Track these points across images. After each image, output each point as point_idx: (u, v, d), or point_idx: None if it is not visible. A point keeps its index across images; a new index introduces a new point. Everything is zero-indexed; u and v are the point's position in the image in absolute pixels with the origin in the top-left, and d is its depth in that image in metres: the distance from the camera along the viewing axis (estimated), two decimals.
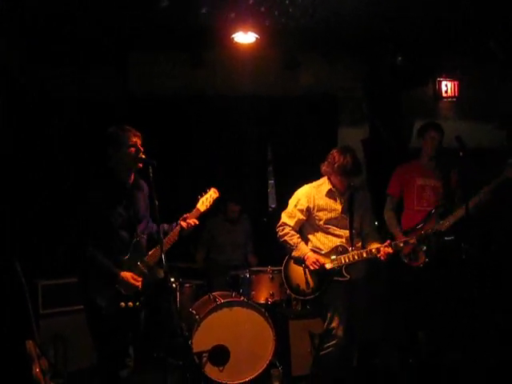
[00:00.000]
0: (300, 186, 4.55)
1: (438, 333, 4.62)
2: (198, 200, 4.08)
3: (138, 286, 3.65)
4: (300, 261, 4.38)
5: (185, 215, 3.97)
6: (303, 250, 4.35)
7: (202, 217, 4.11)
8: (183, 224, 3.91)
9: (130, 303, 3.63)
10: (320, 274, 4.30)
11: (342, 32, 5.71)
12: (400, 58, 6.20)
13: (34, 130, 5.68)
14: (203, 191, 4.13)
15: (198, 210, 4.03)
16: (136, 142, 3.74)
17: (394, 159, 5.78)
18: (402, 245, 4.28)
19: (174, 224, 3.95)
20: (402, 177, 5.08)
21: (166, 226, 3.98)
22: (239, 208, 6.21)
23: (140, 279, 3.67)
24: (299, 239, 4.41)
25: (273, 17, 5.12)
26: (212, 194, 4.12)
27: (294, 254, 4.39)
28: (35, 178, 5.65)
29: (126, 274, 3.63)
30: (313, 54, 6.39)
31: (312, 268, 4.27)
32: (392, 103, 6.71)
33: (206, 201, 4.07)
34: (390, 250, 4.20)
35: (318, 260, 4.26)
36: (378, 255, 4.21)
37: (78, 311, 5.11)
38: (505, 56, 5.93)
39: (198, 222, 3.99)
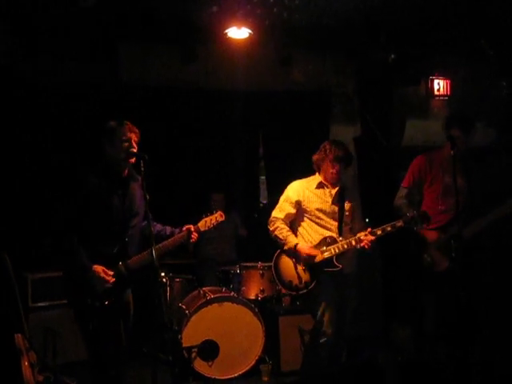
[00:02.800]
0: (291, 182, 4.57)
1: (429, 329, 4.60)
2: (201, 218, 3.99)
3: (108, 281, 3.57)
4: (292, 253, 4.37)
5: (190, 227, 3.90)
6: (292, 241, 4.35)
7: None
8: (193, 237, 3.88)
9: (97, 302, 3.57)
10: (311, 266, 4.31)
11: (334, 28, 5.71)
12: (392, 56, 6.21)
13: (21, 120, 5.63)
14: (209, 212, 4.05)
15: (199, 228, 3.95)
16: (131, 137, 3.70)
17: (385, 158, 5.80)
18: (380, 232, 4.18)
19: (178, 230, 3.90)
20: (423, 170, 4.57)
21: (169, 229, 3.94)
22: (222, 196, 6.16)
23: (111, 274, 3.60)
24: (289, 232, 4.41)
25: (265, 12, 5.11)
26: (218, 217, 4.02)
27: (286, 247, 4.39)
28: (24, 169, 5.62)
29: (98, 268, 3.56)
30: (305, 49, 6.39)
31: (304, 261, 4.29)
32: (384, 101, 6.72)
33: (209, 221, 3.98)
34: (372, 237, 4.18)
35: (310, 253, 4.27)
36: (362, 244, 4.19)
37: (67, 304, 5.12)
38: (495, 54, 5.95)
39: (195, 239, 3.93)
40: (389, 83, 6.65)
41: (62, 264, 3.70)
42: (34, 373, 3.99)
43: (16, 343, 4.03)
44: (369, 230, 4.21)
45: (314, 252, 4.29)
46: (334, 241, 4.31)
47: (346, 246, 4.25)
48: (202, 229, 3.97)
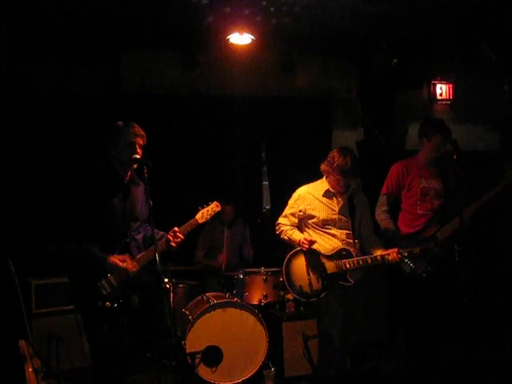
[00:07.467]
0: (294, 187, 4.57)
1: (436, 334, 4.60)
2: (198, 211, 3.98)
3: (126, 269, 3.60)
4: (307, 255, 4.36)
5: (175, 228, 3.85)
6: (296, 239, 4.37)
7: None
8: (172, 243, 3.82)
9: (108, 303, 3.57)
10: (323, 277, 4.29)
11: (336, 33, 5.72)
12: (395, 61, 6.22)
13: (21, 125, 5.61)
14: (205, 203, 4.02)
15: (196, 220, 3.95)
16: (136, 141, 3.68)
17: (388, 162, 5.77)
18: (406, 254, 4.22)
19: (165, 234, 3.87)
20: (401, 176, 4.73)
21: (160, 233, 3.91)
22: (233, 209, 6.17)
23: (128, 260, 3.63)
24: (292, 230, 4.45)
25: (268, 18, 5.13)
26: (214, 207, 4.02)
27: (296, 246, 4.39)
28: (25, 174, 5.61)
29: (113, 258, 3.58)
30: (307, 55, 6.40)
31: (304, 248, 4.29)
32: (386, 105, 6.72)
33: (206, 213, 3.98)
34: (396, 258, 4.20)
35: (305, 239, 4.29)
36: (387, 262, 4.23)
37: (70, 311, 5.12)
38: (497, 58, 5.96)
39: (184, 238, 3.86)
40: (391, 88, 6.66)
41: (71, 266, 3.69)
42: (38, 379, 3.99)
43: (20, 349, 4.04)
44: (396, 250, 4.22)
45: (309, 240, 4.28)
46: (349, 254, 4.29)
47: (361, 263, 4.25)
48: (200, 221, 3.96)
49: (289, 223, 4.50)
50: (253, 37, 5.48)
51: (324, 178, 4.47)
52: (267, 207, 7.24)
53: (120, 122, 3.74)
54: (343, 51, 6.41)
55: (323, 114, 6.90)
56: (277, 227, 4.56)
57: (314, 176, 4.54)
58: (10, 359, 4.06)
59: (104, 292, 3.58)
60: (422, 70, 6.46)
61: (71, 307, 5.09)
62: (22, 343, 4.07)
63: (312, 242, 4.28)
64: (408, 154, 5.38)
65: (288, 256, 4.46)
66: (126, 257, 3.65)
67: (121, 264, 3.59)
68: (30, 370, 3.98)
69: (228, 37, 5.48)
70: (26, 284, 5.04)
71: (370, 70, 6.49)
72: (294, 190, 4.60)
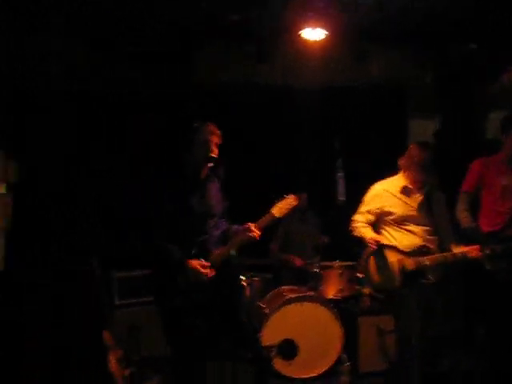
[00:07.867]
0: (369, 179, 4.52)
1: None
2: (273, 204, 3.84)
3: (205, 274, 3.64)
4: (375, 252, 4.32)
5: (250, 224, 3.80)
6: (366, 236, 4.30)
7: None
8: (249, 238, 3.78)
9: (185, 301, 3.64)
10: (404, 273, 4.23)
11: (412, 20, 5.60)
12: (473, 47, 6.02)
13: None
14: (279, 195, 3.88)
15: (273, 215, 3.81)
16: (211, 139, 3.72)
17: (467, 153, 5.62)
18: (488, 252, 4.09)
19: (241, 228, 3.83)
20: (481, 173, 4.57)
21: (235, 227, 3.91)
22: (305, 196, 6.11)
23: (208, 267, 3.67)
24: (365, 228, 4.37)
25: (340, 11, 5.08)
26: (291, 202, 3.84)
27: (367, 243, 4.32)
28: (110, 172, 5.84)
29: (194, 262, 3.63)
30: (381, 43, 6.28)
31: (371, 248, 4.23)
32: (464, 94, 6.51)
33: (283, 207, 3.82)
34: (478, 256, 4.08)
35: (371, 238, 4.22)
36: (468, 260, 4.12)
37: (151, 302, 5.28)
38: None
39: (258, 236, 3.77)
40: (469, 75, 6.44)
41: (153, 261, 3.79)
42: (120, 367, 4.17)
43: (104, 339, 4.23)
44: (477, 247, 4.10)
45: (377, 239, 4.22)
46: (429, 251, 4.20)
47: (441, 260, 4.15)
48: (277, 215, 3.81)
49: (364, 220, 4.42)
50: (326, 31, 5.44)
51: (401, 173, 4.39)
52: (342, 199, 7.18)
53: (196, 123, 3.79)
54: (419, 38, 6.24)
55: (399, 104, 6.79)
56: (351, 224, 4.50)
57: (390, 167, 4.47)
58: (96, 349, 4.25)
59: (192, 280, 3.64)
60: (501, 57, 6.20)
61: (152, 299, 5.29)
62: (106, 334, 4.26)
63: (378, 242, 4.22)
64: (488, 144, 5.21)
65: (368, 251, 4.40)
66: (206, 264, 3.68)
67: (202, 270, 3.64)
68: (113, 359, 4.17)
69: (300, 32, 5.46)
70: (108, 276, 5.24)
71: (446, 57, 6.31)
72: (369, 182, 4.52)
